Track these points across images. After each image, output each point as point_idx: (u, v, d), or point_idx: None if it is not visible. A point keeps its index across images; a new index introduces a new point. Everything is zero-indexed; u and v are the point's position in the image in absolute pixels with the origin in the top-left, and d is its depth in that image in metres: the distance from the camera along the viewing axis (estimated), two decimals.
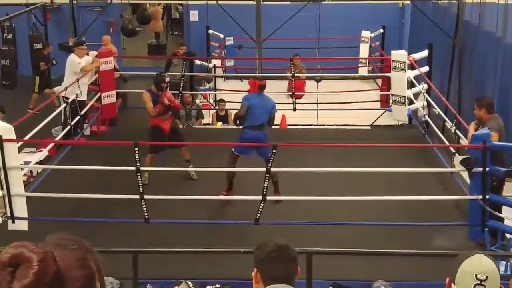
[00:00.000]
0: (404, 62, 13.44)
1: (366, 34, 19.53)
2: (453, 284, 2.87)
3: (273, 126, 15.10)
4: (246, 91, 14.40)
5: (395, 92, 13.85)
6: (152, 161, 10.81)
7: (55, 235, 1.68)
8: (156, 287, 7.95)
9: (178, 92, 14.96)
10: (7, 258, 1.51)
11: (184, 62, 15.22)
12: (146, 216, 8.93)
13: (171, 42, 23.34)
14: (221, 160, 10.86)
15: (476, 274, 2.80)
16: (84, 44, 13.83)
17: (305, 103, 16.27)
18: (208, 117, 15.85)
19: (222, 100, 15.86)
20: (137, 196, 8.86)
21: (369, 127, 15.44)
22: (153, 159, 10.86)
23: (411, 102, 13.91)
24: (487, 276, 2.80)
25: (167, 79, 11.23)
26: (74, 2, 19.33)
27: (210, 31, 20.13)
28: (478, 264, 2.83)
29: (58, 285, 1.54)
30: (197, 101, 16.72)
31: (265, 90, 10.88)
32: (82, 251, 1.66)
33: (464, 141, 10.68)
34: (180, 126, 15.77)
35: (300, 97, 16.56)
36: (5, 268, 1.50)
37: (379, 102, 16.44)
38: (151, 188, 9.40)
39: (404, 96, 13.58)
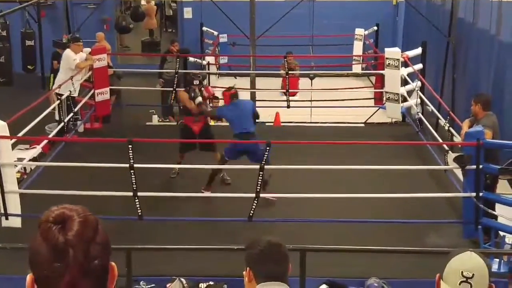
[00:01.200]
0: (398, 60, 13.45)
1: (360, 31, 19.52)
2: (441, 280, 2.88)
3: (267, 124, 15.22)
4: (240, 89, 14.38)
5: (389, 90, 13.86)
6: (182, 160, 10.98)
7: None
8: (150, 284, 7.95)
9: (172, 89, 14.96)
10: (53, 217, 1.75)
11: (178, 59, 15.20)
12: (140, 213, 8.93)
13: (165, 39, 23.33)
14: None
15: (462, 271, 2.81)
16: (81, 40, 13.80)
17: (299, 100, 16.28)
18: None
19: (216, 97, 15.84)
20: (131, 193, 8.86)
21: (362, 125, 15.44)
22: (182, 158, 10.98)
23: (404, 100, 13.92)
24: (473, 274, 2.80)
25: (195, 82, 11.12)
26: None
27: (204, 28, 20.11)
28: (465, 261, 2.84)
29: (96, 233, 1.78)
30: None
31: (238, 97, 10.73)
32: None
33: (457, 139, 10.69)
34: (174, 123, 15.79)
35: (294, 94, 16.57)
36: (53, 226, 1.73)
37: (373, 100, 16.46)
38: (145, 186, 9.39)
39: (398, 94, 13.59)
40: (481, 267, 2.83)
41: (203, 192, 10.26)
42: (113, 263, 1.85)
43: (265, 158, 8.87)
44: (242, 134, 10.23)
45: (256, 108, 10.83)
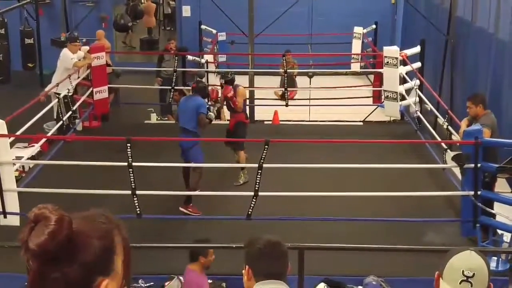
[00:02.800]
0: (396, 58, 13.46)
1: (358, 30, 19.51)
2: (441, 279, 2.88)
3: (266, 122, 15.23)
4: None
5: (387, 88, 13.87)
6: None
7: (93, 209, 1.82)
8: (148, 283, 7.96)
9: (170, 88, 14.95)
10: (32, 216, 1.68)
11: (176, 58, 15.19)
12: (138, 212, 8.92)
13: (164, 37, 23.34)
14: (214, 155, 10.87)
15: (463, 270, 2.80)
16: (78, 40, 13.78)
17: (298, 99, 16.28)
18: None
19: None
20: (129, 192, 8.86)
21: (361, 123, 15.45)
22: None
23: (403, 98, 13.93)
24: (474, 273, 2.80)
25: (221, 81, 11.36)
26: None
27: (203, 26, 20.09)
28: (466, 260, 2.83)
29: (71, 247, 1.67)
30: None
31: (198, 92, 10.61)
32: (108, 225, 1.78)
33: (456, 137, 10.70)
34: (172, 121, 15.78)
35: (292, 96, 16.56)
36: (29, 224, 1.66)
37: (371, 98, 16.47)
38: (144, 184, 9.38)
39: (396, 92, 13.60)
40: (482, 266, 2.83)
41: (185, 211, 10.04)
42: (106, 281, 1.73)
43: (263, 156, 8.84)
44: (179, 128, 10.47)
45: (201, 114, 10.22)
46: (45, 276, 1.67)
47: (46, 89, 12.92)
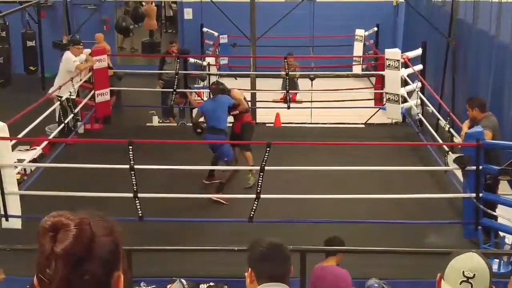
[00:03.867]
0: (398, 61, 13.45)
1: (360, 32, 19.53)
2: (442, 280, 2.88)
3: (268, 125, 15.22)
4: (239, 90, 14.39)
5: (389, 91, 13.87)
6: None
7: (82, 210, 1.84)
8: (150, 285, 7.95)
9: (172, 90, 14.95)
10: (48, 225, 1.71)
11: (178, 60, 15.19)
12: (140, 214, 8.92)
13: (165, 40, 23.33)
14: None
15: (463, 271, 2.80)
16: (81, 43, 13.79)
17: (300, 101, 16.28)
18: None
19: None
20: (131, 194, 8.85)
21: (363, 125, 15.45)
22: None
23: (404, 101, 13.93)
24: (474, 274, 2.80)
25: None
26: (68, 0, 19.32)
27: (204, 29, 20.11)
28: (467, 261, 2.83)
29: (92, 248, 1.73)
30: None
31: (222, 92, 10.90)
32: (108, 222, 1.84)
33: (458, 139, 10.69)
34: (174, 124, 15.79)
35: (294, 98, 16.56)
36: (47, 233, 1.70)
37: (373, 100, 16.45)
38: (146, 187, 9.38)
39: (398, 95, 13.60)
40: (483, 267, 2.83)
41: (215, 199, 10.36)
42: (121, 275, 1.82)
43: (265, 159, 8.84)
44: (210, 128, 10.60)
45: (231, 101, 10.80)
46: (73, 280, 1.71)
47: (50, 91, 12.91)
